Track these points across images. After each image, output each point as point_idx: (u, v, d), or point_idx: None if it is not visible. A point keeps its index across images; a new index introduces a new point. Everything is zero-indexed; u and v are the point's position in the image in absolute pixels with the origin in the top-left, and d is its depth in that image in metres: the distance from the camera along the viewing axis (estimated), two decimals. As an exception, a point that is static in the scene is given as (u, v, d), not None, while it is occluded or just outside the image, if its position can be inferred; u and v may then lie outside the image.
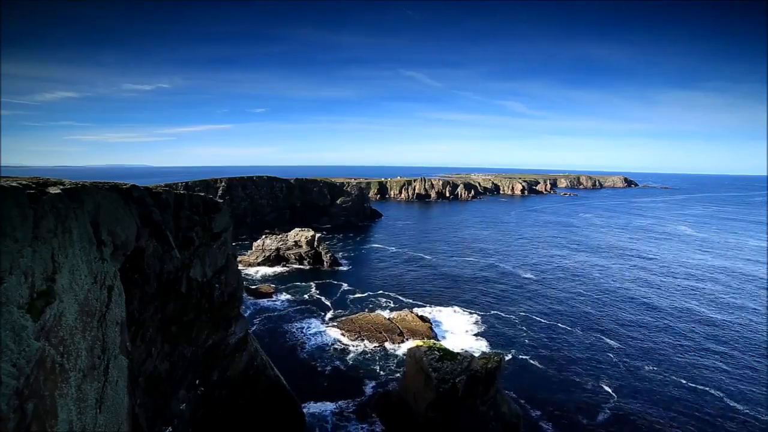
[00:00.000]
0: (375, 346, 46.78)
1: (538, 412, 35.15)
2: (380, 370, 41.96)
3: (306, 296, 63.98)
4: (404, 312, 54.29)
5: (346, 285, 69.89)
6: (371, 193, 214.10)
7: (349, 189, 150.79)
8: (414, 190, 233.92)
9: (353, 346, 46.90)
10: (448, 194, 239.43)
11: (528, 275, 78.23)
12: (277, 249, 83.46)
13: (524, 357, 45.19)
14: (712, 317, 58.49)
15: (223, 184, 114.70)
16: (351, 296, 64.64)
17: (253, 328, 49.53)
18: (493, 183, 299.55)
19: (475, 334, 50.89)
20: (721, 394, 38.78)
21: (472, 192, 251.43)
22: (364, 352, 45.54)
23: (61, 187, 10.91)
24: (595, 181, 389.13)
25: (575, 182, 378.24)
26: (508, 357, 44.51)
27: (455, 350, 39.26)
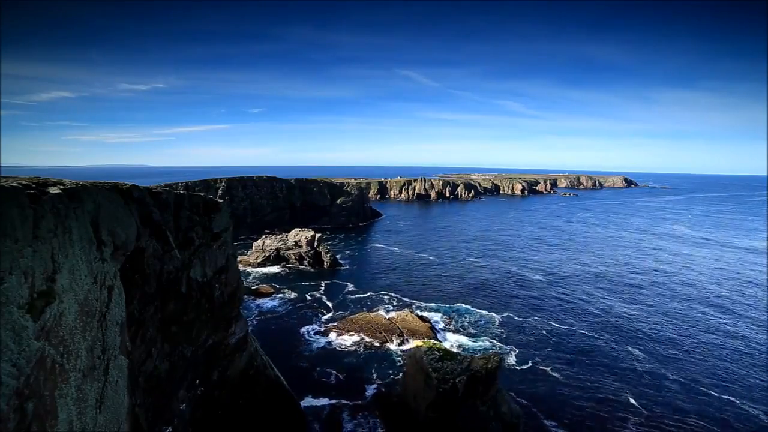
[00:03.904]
0: (375, 346, 46.76)
1: (541, 413, 35.12)
2: (380, 370, 41.94)
3: (306, 296, 63.97)
4: (404, 312, 54.27)
5: (346, 285, 69.88)
6: (371, 193, 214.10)
7: (349, 189, 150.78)
8: (414, 190, 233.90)
9: (353, 346, 46.87)
10: (448, 194, 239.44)
11: (529, 275, 78.20)
12: (277, 249, 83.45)
13: (526, 358, 45.11)
14: (719, 319, 58.42)
15: (223, 184, 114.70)
16: (351, 296, 64.62)
17: (253, 328, 49.50)
18: (493, 183, 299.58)
19: (476, 334, 50.89)
20: (735, 399, 38.71)
21: (472, 192, 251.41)
22: (364, 352, 45.51)
23: (61, 187, 10.91)
24: (595, 181, 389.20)
25: (575, 182, 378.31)
26: (511, 359, 44.54)
27: (455, 350, 39.29)
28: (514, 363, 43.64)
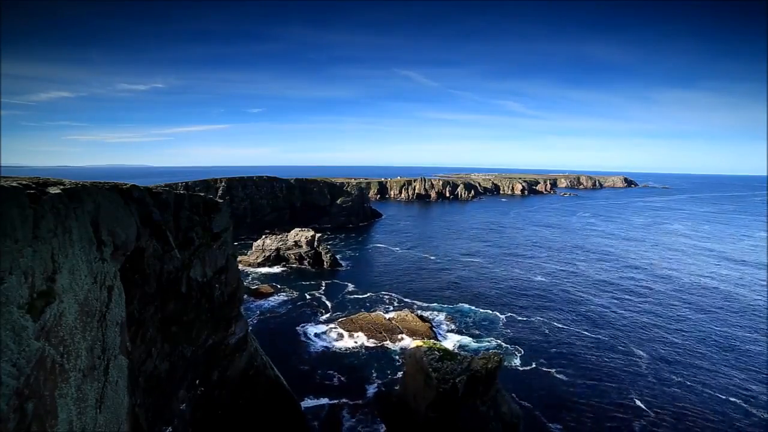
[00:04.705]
0: (375, 346, 46.77)
1: (544, 415, 35.02)
2: (380, 370, 41.94)
3: (306, 296, 63.97)
4: (404, 312, 54.26)
5: (346, 285, 69.88)
6: (371, 193, 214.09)
7: (349, 189, 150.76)
8: (414, 190, 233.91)
9: (353, 346, 46.88)
10: (448, 194, 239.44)
11: (530, 275, 78.19)
12: (277, 249, 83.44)
13: (529, 359, 45.08)
14: (722, 321, 58.33)
15: (223, 184, 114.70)
16: (351, 296, 64.62)
17: (253, 328, 49.48)
18: (493, 183, 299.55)
19: (478, 335, 50.88)
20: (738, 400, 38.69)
21: (472, 192, 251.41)
22: (364, 352, 45.52)
23: (61, 187, 10.91)
24: (595, 181, 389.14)
25: (575, 182, 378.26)
26: (514, 360, 44.48)
27: (456, 350, 39.27)
28: (517, 364, 43.51)
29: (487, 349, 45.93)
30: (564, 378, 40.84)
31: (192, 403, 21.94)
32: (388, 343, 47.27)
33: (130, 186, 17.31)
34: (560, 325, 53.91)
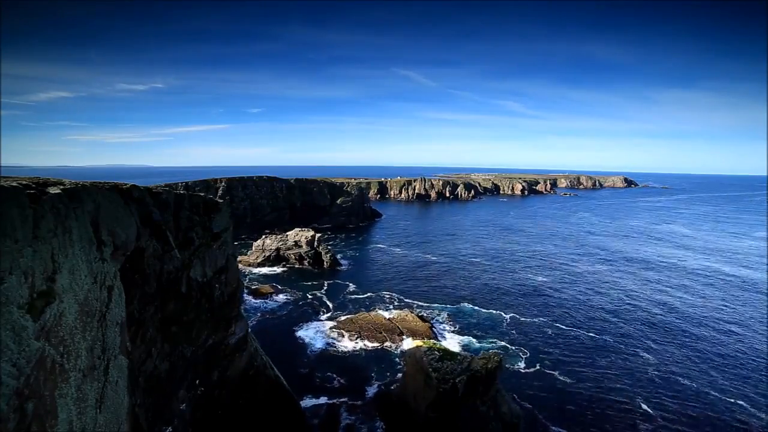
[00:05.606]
0: (375, 346, 46.75)
1: (547, 417, 34.81)
2: (380, 370, 41.92)
3: (306, 296, 63.95)
4: (404, 312, 54.26)
5: (346, 285, 69.86)
6: (371, 193, 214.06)
7: (349, 189, 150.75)
8: (414, 190, 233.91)
9: (353, 346, 46.87)
10: (448, 194, 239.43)
11: (532, 275, 78.17)
12: (277, 249, 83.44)
13: (533, 360, 45.03)
14: (728, 322, 58.22)
15: (223, 184, 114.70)
16: (351, 296, 64.60)
17: (253, 328, 49.46)
18: (493, 183, 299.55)
19: (479, 335, 50.85)
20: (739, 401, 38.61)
21: (472, 192, 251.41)
22: (364, 352, 45.51)
23: (61, 187, 10.91)
24: (595, 181, 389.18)
25: (575, 182, 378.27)
26: (517, 361, 44.45)
27: (455, 350, 39.24)
28: (521, 366, 43.28)
29: (489, 350, 45.91)
30: (567, 380, 40.69)
31: (192, 403, 21.94)
32: (388, 344, 47.25)
33: (130, 186, 17.31)
34: (564, 326, 53.81)
